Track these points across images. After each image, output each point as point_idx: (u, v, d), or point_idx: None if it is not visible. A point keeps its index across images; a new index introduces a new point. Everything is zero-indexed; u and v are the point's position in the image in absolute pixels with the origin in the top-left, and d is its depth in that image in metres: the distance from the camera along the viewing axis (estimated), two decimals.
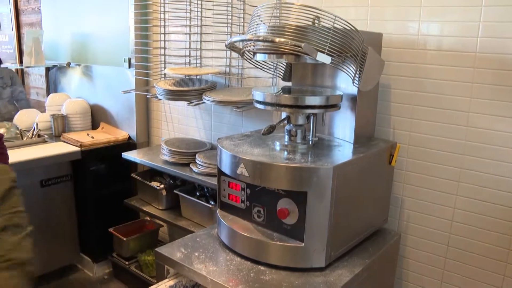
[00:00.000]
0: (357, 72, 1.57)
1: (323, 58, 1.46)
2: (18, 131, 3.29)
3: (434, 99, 1.83)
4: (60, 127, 3.43)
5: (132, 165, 3.15)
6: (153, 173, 2.86)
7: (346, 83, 1.73)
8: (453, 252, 1.88)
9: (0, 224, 1.38)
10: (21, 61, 4.52)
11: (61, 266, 3.34)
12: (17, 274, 1.34)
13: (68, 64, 3.87)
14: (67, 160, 3.11)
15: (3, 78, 3.88)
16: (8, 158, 2.27)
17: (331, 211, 1.48)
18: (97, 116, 3.62)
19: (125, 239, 2.98)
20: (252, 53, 1.70)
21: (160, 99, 2.58)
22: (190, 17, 2.68)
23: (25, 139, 3.25)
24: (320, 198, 1.46)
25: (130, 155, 2.80)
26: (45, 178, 3.08)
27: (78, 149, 3.08)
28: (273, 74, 2.02)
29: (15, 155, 2.79)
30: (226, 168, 1.63)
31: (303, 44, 1.41)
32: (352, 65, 1.55)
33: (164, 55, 2.86)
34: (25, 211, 1.47)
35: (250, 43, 1.66)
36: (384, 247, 1.79)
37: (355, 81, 1.58)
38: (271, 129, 1.61)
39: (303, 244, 1.51)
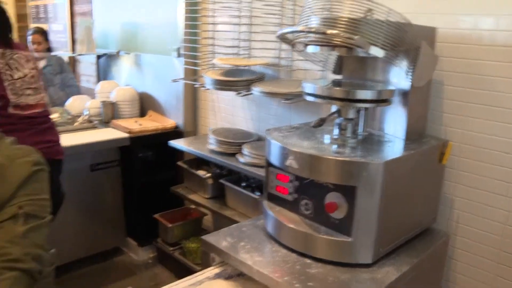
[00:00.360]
0: (410, 67, 1.54)
1: (376, 52, 1.43)
2: (70, 117, 3.39)
3: (488, 97, 1.76)
4: (110, 113, 3.51)
5: (179, 153, 3.19)
6: (199, 162, 2.89)
7: (398, 77, 1.70)
8: (506, 257, 1.82)
9: (10, 212, 1.23)
10: (73, 49, 4.64)
11: (107, 248, 3.43)
12: (7, 276, 1.17)
13: (118, 53, 3.95)
14: (116, 146, 3.19)
15: (53, 65, 4.00)
16: (37, 137, 2.34)
17: (380, 207, 1.46)
18: (145, 104, 3.69)
19: (170, 225, 3.04)
20: (303, 45, 1.69)
21: (208, 89, 2.60)
22: (240, 8, 2.68)
23: (76, 124, 3.34)
24: (370, 193, 1.44)
25: (177, 143, 2.84)
26: (94, 163, 3.17)
27: (127, 135, 3.15)
28: (323, 67, 2.00)
29: (67, 140, 2.87)
30: (274, 159, 1.63)
31: (356, 37, 1.39)
32: (405, 60, 1.52)
33: (213, 45, 2.87)
34: (48, 199, 1.34)
35: (302, 35, 1.65)
36: (432, 247, 1.75)
37: (407, 76, 1.55)
38: (321, 122, 1.60)
39: (350, 239, 1.50)
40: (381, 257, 1.59)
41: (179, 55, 3.19)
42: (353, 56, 1.85)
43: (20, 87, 2.26)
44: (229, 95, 2.93)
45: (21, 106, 2.26)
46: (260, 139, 2.67)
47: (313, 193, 1.57)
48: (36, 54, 3.82)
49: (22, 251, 1.20)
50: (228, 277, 1.72)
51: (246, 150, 2.39)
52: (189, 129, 3.31)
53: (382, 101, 1.59)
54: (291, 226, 1.60)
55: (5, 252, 1.18)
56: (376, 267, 1.55)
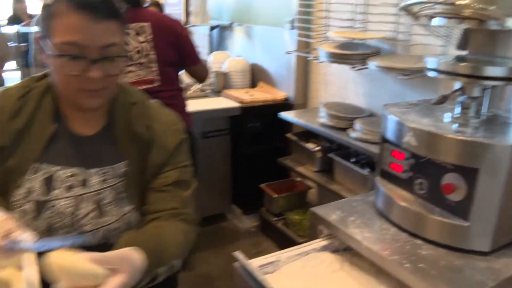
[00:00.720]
0: None
1: None
2: (183, 85, 3.53)
3: None
4: (221, 83, 3.62)
5: (287, 125, 3.22)
6: (307, 135, 2.90)
7: None
8: None
9: (173, 177, 1.27)
10: (187, 21, 4.80)
11: (213, 214, 3.57)
12: (189, 229, 1.27)
13: (231, 24, 4.03)
14: (227, 115, 3.28)
15: None
16: (182, 108, 2.44)
17: (505, 193, 1.37)
18: (256, 75, 3.75)
19: (275, 196, 3.10)
20: (428, 18, 1.61)
21: (321, 62, 2.58)
22: None
23: (189, 92, 3.48)
24: (493, 177, 1.36)
25: (288, 115, 2.86)
26: (205, 130, 3.29)
27: (238, 105, 3.23)
28: (446, 42, 1.89)
29: None
30: (391, 135, 1.59)
31: (491, 8, 1.30)
32: None
33: (328, 17, 2.83)
34: (191, 166, 1.37)
35: (428, 6, 1.57)
36: None
37: None
38: (443, 99, 1.53)
39: (467, 223, 1.43)
40: (501, 247, 1.50)
41: (292, 27, 3.18)
42: (482, 29, 1.73)
43: None
44: (342, 69, 2.88)
45: None
46: (372, 115, 2.61)
47: (430, 172, 1.51)
48: None
49: (193, 214, 1.30)
50: (334, 251, 1.72)
51: (358, 125, 2.35)
52: (299, 102, 3.32)
53: None
54: (404, 204, 1.56)
55: (182, 212, 1.26)
56: (493, 257, 1.46)
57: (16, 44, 3.47)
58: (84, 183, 1.18)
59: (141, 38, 2.31)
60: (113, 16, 1.05)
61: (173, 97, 2.48)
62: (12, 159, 1.13)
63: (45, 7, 1.04)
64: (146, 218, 1.23)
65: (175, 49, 2.42)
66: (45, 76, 1.18)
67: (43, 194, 1.14)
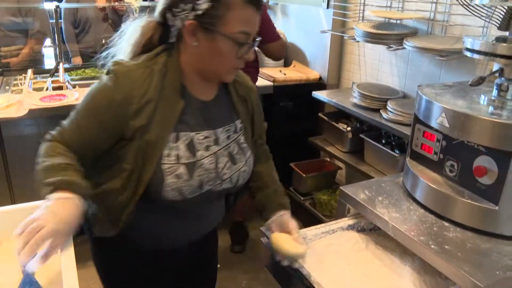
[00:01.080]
0: None
1: None
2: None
3: None
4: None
5: (320, 105, 3.21)
6: (339, 115, 2.89)
7: None
8: None
9: (263, 127, 1.67)
10: None
11: None
12: None
13: (267, 2, 4.00)
14: (260, 93, 3.27)
15: None
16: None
17: None
18: (289, 54, 3.73)
19: (304, 175, 3.10)
20: None
21: (357, 41, 2.55)
22: None
23: None
24: None
25: (320, 95, 2.85)
26: None
27: (271, 84, 3.23)
28: (489, 22, 1.84)
29: None
30: (424, 116, 1.57)
31: None
32: None
33: None
34: None
35: None
36: None
37: None
38: (480, 81, 1.49)
39: (497, 207, 1.41)
40: None
41: (328, 6, 3.14)
42: None
43: None
44: (377, 49, 2.84)
45: None
46: (405, 96, 2.57)
47: (461, 155, 1.49)
48: None
49: None
50: (360, 230, 1.73)
51: (390, 106, 2.33)
52: (333, 82, 3.30)
53: None
54: (433, 186, 1.55)
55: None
56: None
57: (54, 20, 3.54)
58: (216, 141, 1.37)
59: None
60: (260, 6, 1.24)
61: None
62: (149, 134, 1.25)
63: None
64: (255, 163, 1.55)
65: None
66: (156, 55, 1.28)
67: (190, 157, 1.31)
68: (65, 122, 1.32)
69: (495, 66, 1.55)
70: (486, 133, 1.38)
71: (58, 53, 3.59)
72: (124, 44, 1.33)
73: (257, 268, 2.77)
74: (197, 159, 1.32)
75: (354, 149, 2.70)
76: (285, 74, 3.38)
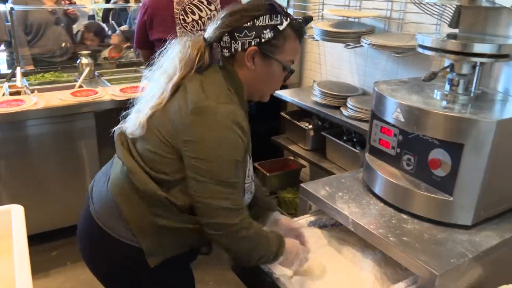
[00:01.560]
0: None
1: (504, 1, 1.34)
2: None
3: None
4: None
5: (282, 104, 3.22)
6: (302, 114, 2.91)
7: None
8: None
9: None
10: None
11: None
12: None
13: None
14: None
15: None
16: None
17: (488, 168, 1.39)
18: None
19: (268, 174, 3.11)
20: None
21: (316, 40, 2.58)
22: None
23: None
24: (478, 152, 1.38)
25: (282, 94, 2.87)
26: None
27: None
28: (440, 19, 1.90)
29: None
30: (380, 112, 1.60)
31: None
32: None
33: None
34: None
35: None
36: None
37: None
38: (432, 76, 1.54)
39: (451, 198, 1.46)
40: (482, 220, 1.52)
41: (288, 6, 3.17)
42: (474, 7, 1.74)
43: (191, 29, 2.48)
44: (336, 47, 2.88)
45: None
46: (365, 93, 2.62)
47: (417, 148, 1.53)
48: None
49: None
50: (322, 226, 1.75)
51: (350, 103, 2.37)
52: (294, 81, 3.32)
53: (502, 56, 1.49)
54: (391, 180, 1.58)
55: None
56: (475, 230, 1.49)
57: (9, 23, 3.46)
58: None
59: (212, 7, 2.51)
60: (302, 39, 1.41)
61: None
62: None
63: (275, 29, 1.30)
64: None
65: None
66: (224, 82, 1.32)
67: (253, 174, 1.46)
68: (230, 192, 1.26)
69: (447, 62, 1.60)
70: (439, 126, 1.42)
71: (15, 57, 3.51)
72: (174, 61, 1.32)
73: (224, 268, 2.77)
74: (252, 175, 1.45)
75: (317, 147, 2.73)
76: None
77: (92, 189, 1.44)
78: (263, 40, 1.29)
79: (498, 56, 1.49)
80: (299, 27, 1.36)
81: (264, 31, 1.28)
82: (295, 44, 1.36)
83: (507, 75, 1.66)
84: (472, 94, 1.61)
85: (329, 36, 2.46)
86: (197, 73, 1.31)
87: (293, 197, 3.04)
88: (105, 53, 4.07)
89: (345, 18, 2.67)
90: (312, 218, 1.75)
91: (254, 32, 1.28)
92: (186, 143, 1.22)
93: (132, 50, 4.17)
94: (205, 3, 2.49)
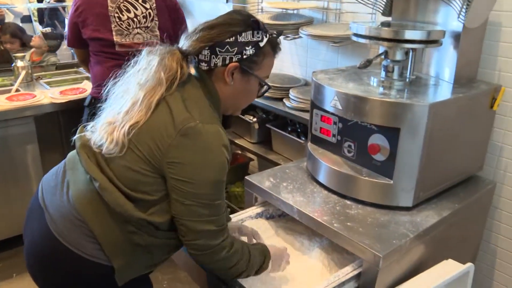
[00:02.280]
0: (464, 7, 1.47)
1: None
2: None
3: None
4: None
5: None
6: (246, 107, 2.90)
7: (450, 19, 1.63)
8: None
9: None
10: None
11: None
12: None
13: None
14: None
15: None
16: None
17: (424, 151, 1.44)
18: None
19: None
20: None
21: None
22: None
23: None
24: (413, 136, 1.43)
25: None
26: None
27: None
28: (373, 8, 1.94)
29: None
30: (319, 101, 1.63)
31: None
32: None
33: None
34: None
35: None
36: (476, 194, 1.72)
37: (460, 16, 1.49)
38: (367, 63, 1.57)
39: (391, 181, 1.50)
40: (422, 201, 1.58)
41: (227, 0, 3.17)
42: None
43: (127, 27, 2.43)
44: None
45: (126, 45, 2.44)
46: (307, 84, 2.65)
47: (356, 135, 1.57)
48: None
49: None
50: (269, 217, 1.77)
51: (293, 94, 2.38)
52: None
53: (432, 42, 1.54)
54: (334, 167, 1.61)
55: None
56: (416, 211, 1.55)
57: None
58: None
59: (147, 5, 2.48)
60: None
61: None
62: None
63: (257, 46, 1.29)
64: None
65: (172, 20, 2.59)
66: (207, 98, 1.30)
67: None
68: (215, 213, 1.24)
69: (381, 49, 1.64)
70: (375, 112, 1.46)
71: None
72: (157, 74, 1.24)
73: (177, 268, 2.75)
74: None
75: (263, 139, 2.74)
76: None
77: (44, 199, 1.30)
78: (244, 56, 1.27)
79: (428, 42, 1.54)
80: (276, 43, 1.38)
81: (247, 48, 1.27)
82: (272, 60, 1.38)
83: (438, 59, 1.72)
84: (407, 80, 1.66)
85: (268, 28, 2.46)
86: (177, 86, 1.25)
87: (242, 190, 3.04)
88: (27, 56, 3.83)
89: (284, 10, 2.69)
90: (258, 210, 1.76)
91: (236, 48, 1.26)
92: (171, 164, 1.17)
93: (54, 53, 4.03)
94: (140, 1, 2.47)
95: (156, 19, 2.53)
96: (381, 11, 1.91)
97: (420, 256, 1.48)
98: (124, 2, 2.41)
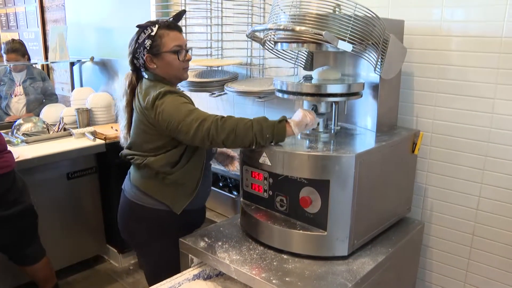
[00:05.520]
0: (379, 60, 1.56)
1: (344, 46, 1.45)
2: (44, 125, 3.34)
3: (458, 86, 1.80)
4: (85, 120, 3.47)
5: None
6: None
7: (368, 71, 1.72)
8: (479, 241, 1.86)
9: None
10: (46, 57, 4.59)
11: (88, 257, 3.39)
12: None
13: (92, 59, 3.92)
14: (92, 153, 3.15)
15: (35, 76, 3.98)
16: None
17: (354, 200, 1.48)
18: None
19: None
20: (273, 43, 1.70)
21: (182, 91, 2.60)
22: (211, 9, 2.68)
23: (51, 133, 3.30)
24: (343, 186, 1.46)
25: None
26: (71, 171, 3.14)
27: (102, 142, 3.13)
28: (295, 64, 2.01)
29: (42, 149, 2.86)
30: (248, 157, 1.64)
31: (323, 32, 1.41)
32: (373, 53, 1.54)
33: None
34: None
35: (271, 33, 1.66)
36: (407, 236, 1.78)
37: (377, 69, 1.57)
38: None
39: (325, 232, 1.52)
40: (357, 248, 1.61)
41: None
42: (322, 51, 1.87)
43: None
44: (204, 96, 2.92)
45: None
46: None
47: (288, 189, 1.58)
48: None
49: None
50: (207, 278, 1.72)
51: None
52: None
53: (353, 94, 1.61)
54: (267, 223, 1.61)
55: None
56: (352, 259, 1.56)
57: None
58: None
59: None
60: (180, 29, 1.88)
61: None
62: None
63: (150, 36, 1.78)
64: None
65: None
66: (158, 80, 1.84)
67: None
68: (192, 111, 1.69)
69: (305, 103, 1.68)
70: (304, 166, 1.49)
71: None
72: (122, 90, 1.90)
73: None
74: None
75: None
76: (116, 130, 3.30)
77: (124, 185, 2.06)
78: (148, 47, 1.79)
79: (350, 95, 1.60)
80: (169, 23, 1.83)
81: (145, 42, 1.79)
82: (171, 34, 1.81)
83: (360, 109, 1.79)
84: (332, 131, 1.71)
85: (194, 86, 2.49)
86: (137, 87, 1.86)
87: None
88: None
89: (209, 67, 2.73)
90: (195, 271, 1.71)
91: (141, 47, 1.80)
92: (158, 115, 1.70)
93: None
94: None
95: None
96: (302, 66, 1.98)
97: None
98: None
